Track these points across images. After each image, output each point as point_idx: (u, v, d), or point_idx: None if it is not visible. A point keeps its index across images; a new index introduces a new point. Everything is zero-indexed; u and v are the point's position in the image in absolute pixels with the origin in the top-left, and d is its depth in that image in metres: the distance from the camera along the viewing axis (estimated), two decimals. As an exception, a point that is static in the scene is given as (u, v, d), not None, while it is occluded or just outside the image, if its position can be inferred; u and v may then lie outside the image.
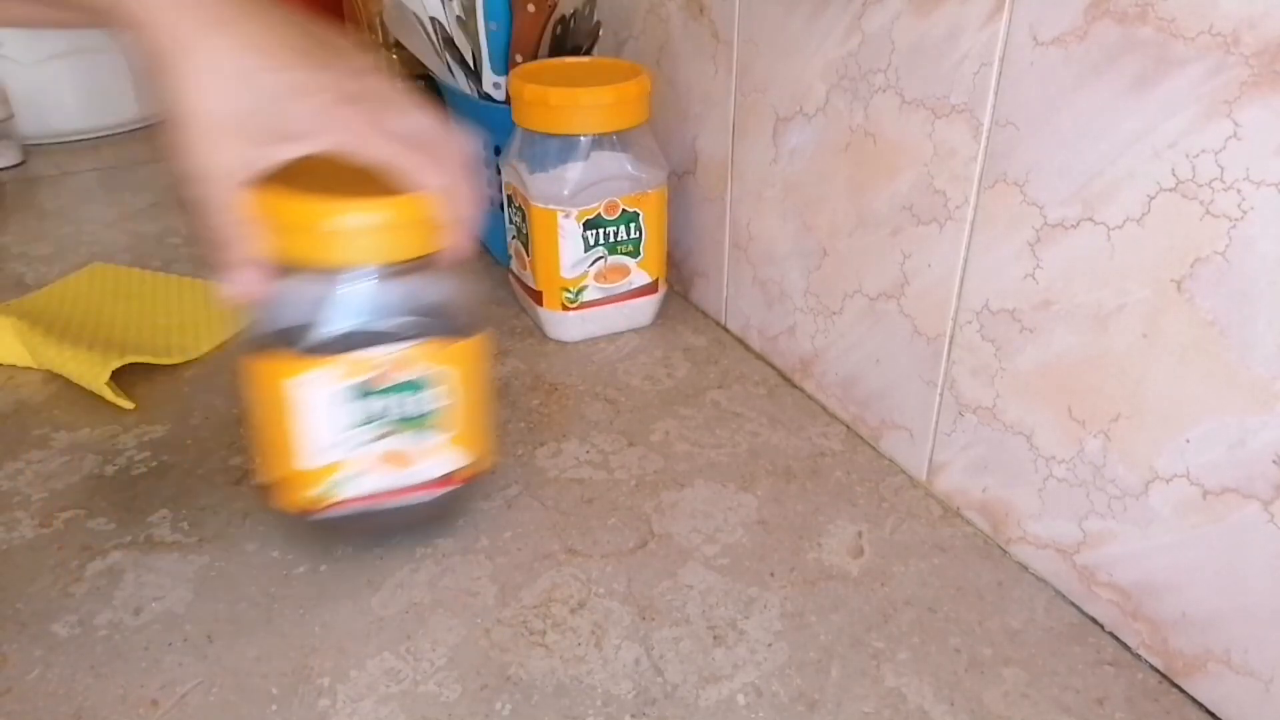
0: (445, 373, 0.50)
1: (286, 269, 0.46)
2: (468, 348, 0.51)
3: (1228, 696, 0.43)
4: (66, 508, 0.58)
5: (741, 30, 0.68)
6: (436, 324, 0.49)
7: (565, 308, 0.74)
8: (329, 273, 0.46)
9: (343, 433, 0.48)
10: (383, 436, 0.49)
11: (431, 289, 0.49)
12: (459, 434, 0.52)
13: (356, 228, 0.45)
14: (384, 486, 0.51)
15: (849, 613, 0.50)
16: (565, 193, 0.70)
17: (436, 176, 0.44)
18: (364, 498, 0.51)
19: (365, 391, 0.48)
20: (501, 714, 0.44)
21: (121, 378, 0.70)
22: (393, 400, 0.49)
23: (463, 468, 0.53)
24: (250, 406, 0.50)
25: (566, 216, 0.70)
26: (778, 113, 0.65)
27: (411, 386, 0.49)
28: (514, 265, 0.79)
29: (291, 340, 0.46)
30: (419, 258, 0.47)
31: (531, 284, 0.75)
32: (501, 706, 0.45)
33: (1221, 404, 0.41)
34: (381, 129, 0.42)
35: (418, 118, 0.44)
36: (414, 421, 0.50)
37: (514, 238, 0.77)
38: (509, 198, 0.76)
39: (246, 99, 0.40)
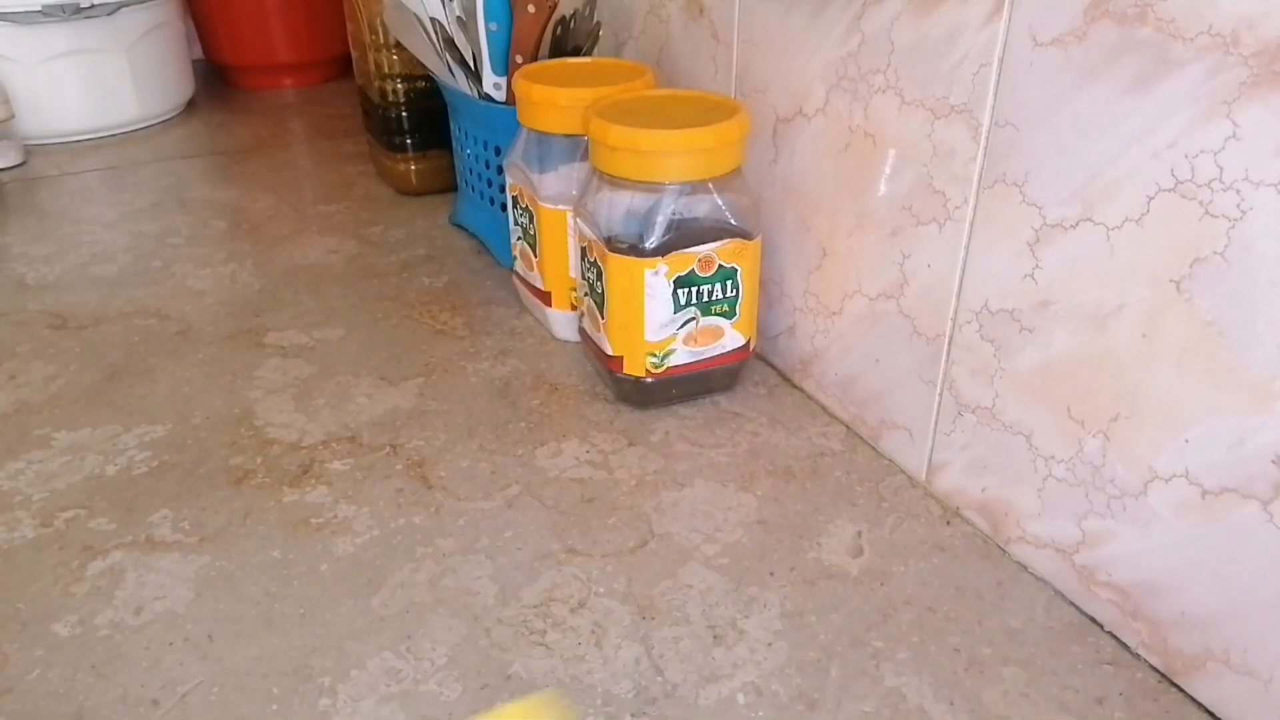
0: (739, 267, 0.63)
1: (634, 186, 0.61)
2: (753, 247, 0.64)
3: (1227, 696, 0.43)
4: (67, 507, 0.58)
5: (741, 30, 0.68)
6: (734, 228, 0.63)
7: (574, 307, 0.74)
8: (663, 186, 0.61)
9: (671, 314, 0.63)
10: (694, 319, 0.64)
11: (727, 200, 0.63)
12: (741, 319, 0.66)
13: (682, 152, 0.60)
14: (693, 359, 0.65)
15: (849, 612, 0.50)
16: (574, 192, 0.70)
17: None
18: (680, 366, 0.65)
19: (688, 281, 0.62)
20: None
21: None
22: (704, 289, 0.63)
23: (741, 346, 0.67)
24: (609, 296, 0.63)
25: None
26: (778, 113, 0.65)
27: (719, 277, 0.63)
28: (519, 266, 0.79)
29: (640, 240, 0.61)
30: (721, 175, 0.62)
31: (539, 285, 0.75)
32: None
33: (1221, 404, 0.41)
34: None
35: None
36: (715, 305, 0.64)
37: (519, 239, 0.77)
38: (514, 199, 0.76)
39: None
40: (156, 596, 0.52)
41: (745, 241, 0.63)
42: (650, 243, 0.61)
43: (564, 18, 0.79)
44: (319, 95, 1.55)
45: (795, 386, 0.70)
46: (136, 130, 1.35)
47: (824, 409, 0.67)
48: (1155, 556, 0.45)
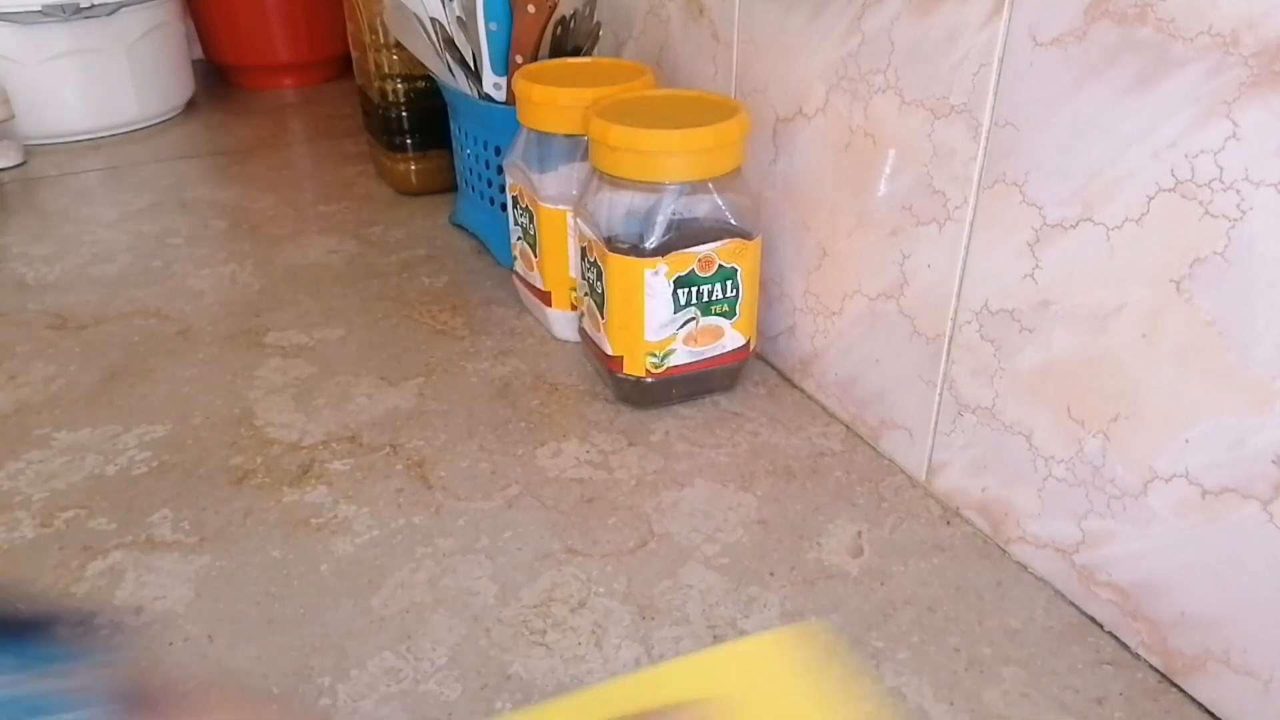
0: (739, 267, 0.63)
1: (634, 186, 0.61)
2: (753, 247, 0.64)
3: (1227, 696, 0.43)
4: (67, 507, 0.58)
5: (741, 30, 0.68)
6: (734, 228, 0.63)
7: (574, 307, 0.74)
8: (663, 186, 0.61)
9: (671, 314, 0.63)
10: (694, 319, 0.64)
11: (728, 200, 0.63)
12: (741, 319, 0.65)
13: (682, 152, 0.60)
14: (693, 359, 0.65)
15: (848, 612, 0.50)
16: (574, 192, 0.70)
17: None
18: (681, 367, 0.65)
19: (688, 281, 0.62)
20: (502, 713, 0.45)
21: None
22: (704, 289, 0.63)
23: (741, 346, 0.67)
24: (609, 296, 0.63)
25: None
26: (777, 113, 0.65)
27: (719, 277, 0.63)
28: (519, 267, 0.79)
29: (641, 240, 0.61)
30: (721, 175, 0.61)
31: (539, 285, 0.75)
32: (502, 706, 0.45)
33: (1220, 404, 0.41)
34: None
35: None
36: (715, 305, 0.64)
37: (520, 239, 0.77)
38: (514, 199, 0.76)
39: None
40: (156, 596, 0.52)
41: (745, 241, 0.63)
42: (650, 243, 0.61)
43: (564, 18, 0.79)
44: (319, 95, 1.55)
45: (795, 386, 0.70)
46: (136, 130, 1.35)
47: (824, 409, 0.67)
48: (1155, 556, 0.45)
